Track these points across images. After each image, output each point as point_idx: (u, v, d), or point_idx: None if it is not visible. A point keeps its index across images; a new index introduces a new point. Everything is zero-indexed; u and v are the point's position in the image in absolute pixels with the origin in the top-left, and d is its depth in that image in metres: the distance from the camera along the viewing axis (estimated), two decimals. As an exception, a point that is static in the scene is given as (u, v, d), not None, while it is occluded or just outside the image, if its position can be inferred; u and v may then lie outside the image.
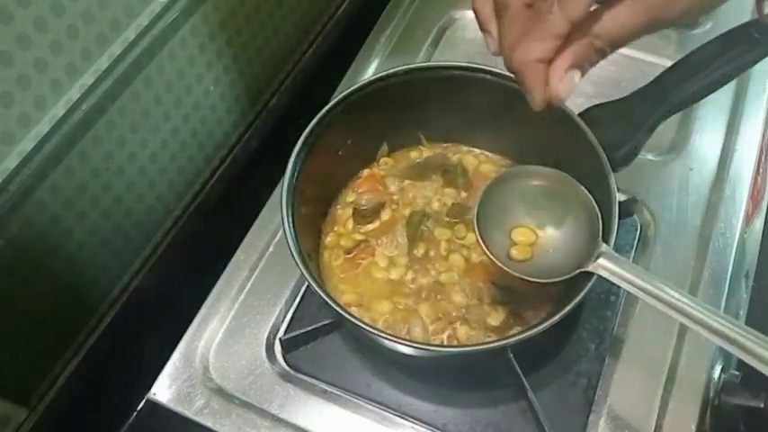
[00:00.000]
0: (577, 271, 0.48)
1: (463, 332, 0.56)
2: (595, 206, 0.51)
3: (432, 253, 0.60)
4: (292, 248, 0.52)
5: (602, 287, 0.61)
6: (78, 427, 0.63)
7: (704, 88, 0.55)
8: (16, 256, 0.55)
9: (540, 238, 0.53)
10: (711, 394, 0.57)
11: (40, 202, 0.55)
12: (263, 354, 0.60)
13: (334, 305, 0.50)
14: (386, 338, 0.49)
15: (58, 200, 0.57)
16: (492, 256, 0.50)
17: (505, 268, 0.50)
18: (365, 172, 0.66)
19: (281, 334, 0.61)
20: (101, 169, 0.61)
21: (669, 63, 0.57)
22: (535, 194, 0.53)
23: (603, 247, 0.48)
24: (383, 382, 0.58)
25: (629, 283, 0.46)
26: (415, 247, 0.60)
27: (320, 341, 0.60)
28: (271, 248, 0.65)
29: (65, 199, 0.58)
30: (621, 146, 0.54)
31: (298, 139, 0.56)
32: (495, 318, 0.56)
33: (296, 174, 0.55)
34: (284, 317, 0.62)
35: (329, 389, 0.58)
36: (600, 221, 0.50)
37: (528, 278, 0.50)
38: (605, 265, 0.47)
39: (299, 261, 0.51)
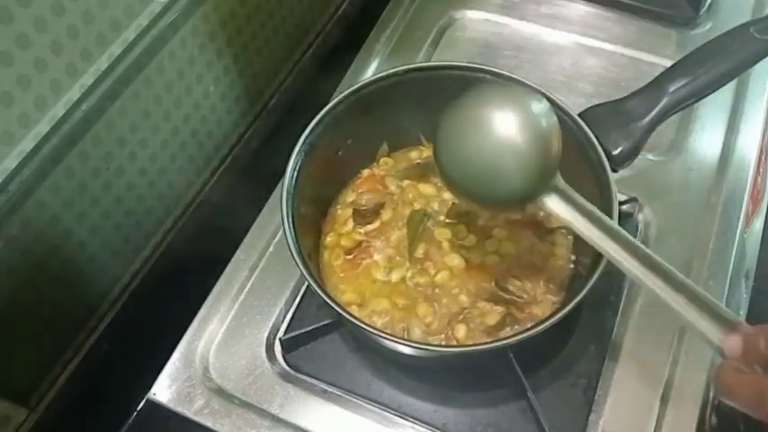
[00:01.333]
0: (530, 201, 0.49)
1: (462, 332, 0.56)
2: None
3: (431, 253, 0.60)
4: (292, 248, 0.52)
5: (602, 287, 0.61)
6: (78, 427, 0.63)
7: (704, 88, 0.55)
8: (16, 256, 0.55)
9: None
10: (711, 394, 0.57)
11: (39, 203, 0.55)
12: (263, 354, 0.60)
13: (333, 305, 0.50)
14: (386, 338, 0.49)
15: (57, 200, 0.57)
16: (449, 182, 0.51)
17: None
18: (365, 172, 0.66)
19: (281, 334, 0.61)
20: (101, 169, 0.61)
21: (669, 63, 0.57)
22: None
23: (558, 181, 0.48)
24: (383, 381, 0.58)
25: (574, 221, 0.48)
26: (416, 246, 0.60)
27: (320, 341, 0.60)
28: (271, 248, 0.65)
29: (65, 199, 0.58)
30: (621, 146, 0.54)
31: (298, 139, 0.56)
32: (494, 318, 0.56)
33: (296, 174, 0.55)
34: (284, 317, 0.62)
35: (329, 389, 0.58)
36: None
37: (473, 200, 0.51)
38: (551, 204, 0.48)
39: (298, 261, 0.51)
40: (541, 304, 0.57)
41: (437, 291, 0.58)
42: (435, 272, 0.59)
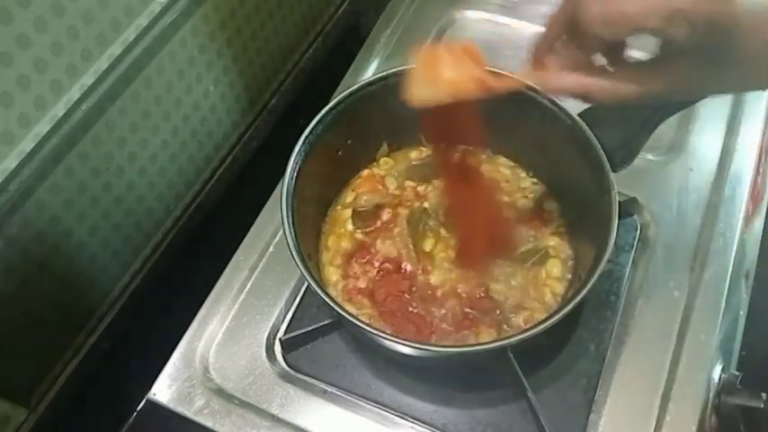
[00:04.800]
0: None
1: (459, 332, 0.56)
2: None
3: (430, 254, 0.60)
4: (292, 249, 0.52)
5: (602, 287, 0.61)
6: (78, 428, 0.63)
7: (704, 88, 0.55)
8: (16, 256, 0.55)
9: None
10: (711, 394, 0.57)
11: (40, 203, 0.55)
12: (263, 354, 0.60)
13: (333, 305, 0.50)
14: (385, 338, 0.49)
15: (57, 200, 0.57)
16: None
17: None
18: (365, 172, 0.66)
19: (280, 334, 0.61)
20: (101, 169, 0.61)
21: (669, 63, 0.56)
22: None
23: None
24: (383, 382, 0.58)
25: None
26: (417, 246, 0.60)
27: (320, 341, 0.60)
28: (271, 248, 0.65)
29: (65, 199, 0.58)
30: (621, 146, 0.54)
31: (297, 140, 0.56)
32: (490, 318, 0.56)
33: (296, 174, 0.55)
34: (284, 317, 0.62)
35: (329, 389, 0.58)
36: None
37: None
38: None
39: (298, 261, 0.51)
40: (535, 308, 0.57)
41: (434, 291, 0.58)
42: (433, 271, 0.59)
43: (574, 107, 0.56)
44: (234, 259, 0.65)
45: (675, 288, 0.61)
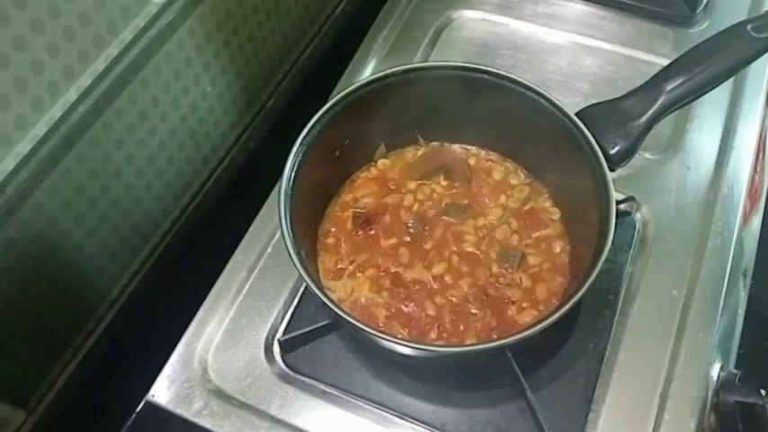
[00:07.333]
0: None
1: (456, 333, 0.56)
2: None
3: (429, 254, 0.60)
4: (290, 249, 0.52)
5: (600, 286, 0.61)
6: (77, 430, 0.63)
7: (701, 87, 0.55)
8: (14, 258, 0.55)
9: None
10: (710, 392, 0.57)
11: (37, 205, 0.55)
12: (262, 355, 0.60)
13: (332, 306, 0.50)
14: (384, 339, 0.49)
15: (55, 202, 0.57)
16: None
17: None
18: (363, 172, 0.66)
19: (279, 335, 0.61)
20: (98, 171, 0.61)
21: (666, 62, 0.57)
22: None
23: None
24: (382, 382, 0.58)
25: None
26: (413, 247, 0.60)
27: (319, 342, 0.60)
28: (269, 249, 0.65)
29: (62, 201, 0.58)
30: (619, 145, 0.54)
31: (295, 140, 0.56)
32: (488, 318, 0.56)
33: (293, 175, 0.55)
34: (282, 318, 0.62)
35: (328, 389, 0.58)
36: None
37: None
38: None
39: (296, 262, 0.51)
40: (530, 310, 0.57)
41: (433, 291, 0.58)
42: (431, 272, 0.59)
43: (572, 106, 0.57)
44: (232, 260, 0.65)
45: (674, 287, 0.61)
